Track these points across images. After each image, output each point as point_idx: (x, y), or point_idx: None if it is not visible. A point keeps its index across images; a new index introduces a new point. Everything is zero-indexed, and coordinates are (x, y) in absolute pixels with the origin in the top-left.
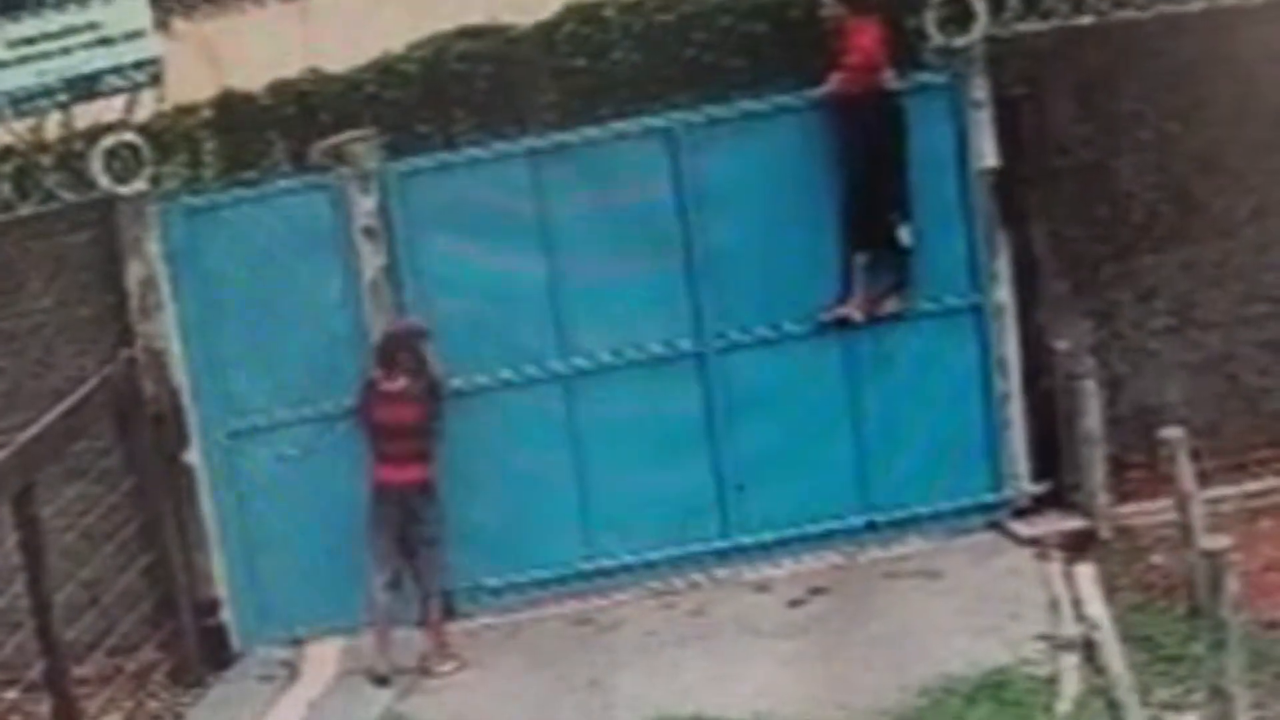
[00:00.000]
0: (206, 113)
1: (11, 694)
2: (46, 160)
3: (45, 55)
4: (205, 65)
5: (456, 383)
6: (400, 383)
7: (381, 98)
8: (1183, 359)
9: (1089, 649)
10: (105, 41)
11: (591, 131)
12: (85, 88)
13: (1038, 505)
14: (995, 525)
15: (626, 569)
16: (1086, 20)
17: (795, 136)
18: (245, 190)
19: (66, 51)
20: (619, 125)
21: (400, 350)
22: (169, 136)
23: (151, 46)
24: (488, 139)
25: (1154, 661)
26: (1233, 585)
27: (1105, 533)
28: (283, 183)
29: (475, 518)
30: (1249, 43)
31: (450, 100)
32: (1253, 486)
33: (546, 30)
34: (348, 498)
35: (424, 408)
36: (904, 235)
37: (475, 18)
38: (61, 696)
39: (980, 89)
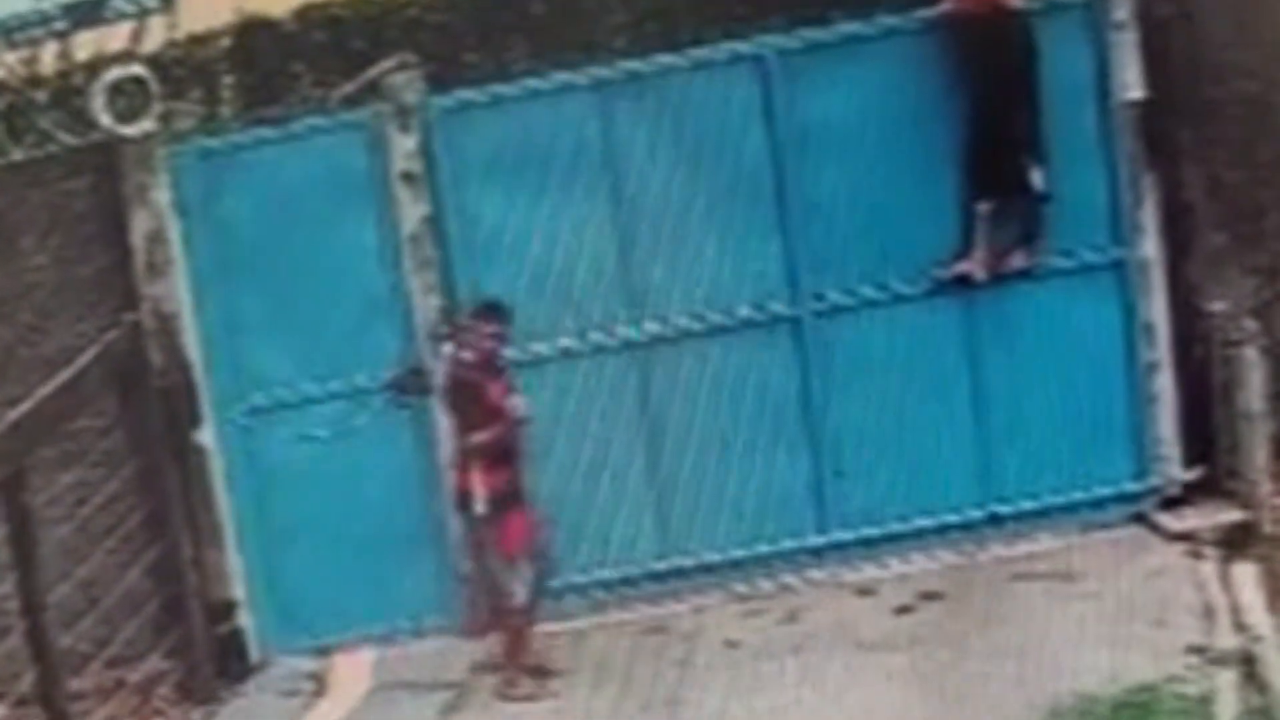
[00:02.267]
0: (224, 42)
1: None
2: (42, 97)
3: None
4: None
5: (511, 352)
6: None
7: (424, 22)
8: None
9: (1249, 663)
10: None
11: (668, 60)
12: (87, 14)
13: (1189, 494)
14: (1140, 518)
15: (707, 569)
16: None
17: (907, 64)
18: (268, 130)
19: None
20: (701, 52)
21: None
22: (181, 70)
23: None
24: (547, 69)
25: None
26: None
27: (1269, 527)
28: (310, 121)
29: None
30: None
31: (503, 25)
32: None
33: None
34: (384, 485)
35: None
36: (1036, 179)
37: None
38: (55, 712)
39: (1123, 8)
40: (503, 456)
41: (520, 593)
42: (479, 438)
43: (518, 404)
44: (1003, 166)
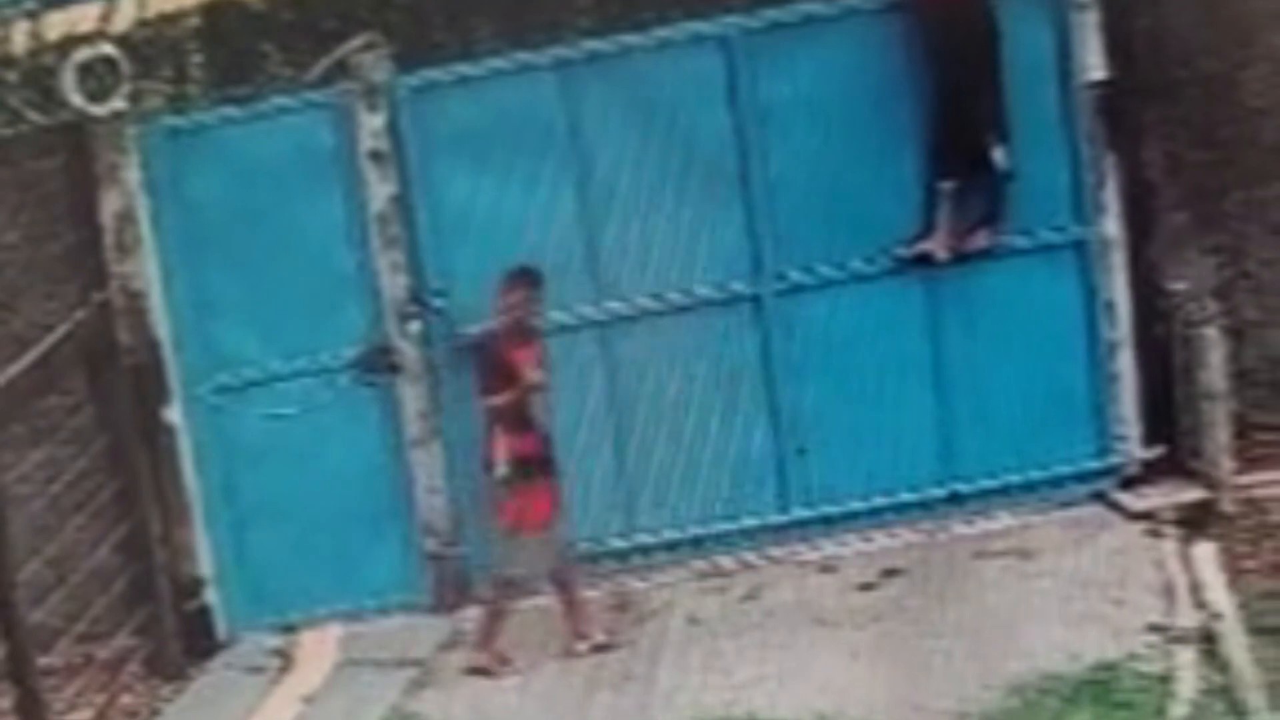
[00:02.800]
0: (193, 21)
1: None
2: (12, 76)
3: None
4: None
5: (476, 330)
6: None
7: (392, 2)
8: None
9: (1209, 642)
10: None
11: (633, 39)
12: None
13: (1150, 473)
14: (1100, 497)
15: (669, 547)
16: None
17: (869, 44)
18: (236, 110)
19: None
20: (665, 31)
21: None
22: (151, 49)
23: None
24: (513, 49)
25: None
26: None
27: (1229, 505)
28: (279, 100)
29: None
30: None
31: (470, 5)
32: None
33: None
34: (351, 463)
35: None
36: (999, 158)
37: None
38: (24, 689)
39: None
40: (522, 423)
41: (515, 567)
42: (495, 401)
43: (532, 371)
44: (966, 146)
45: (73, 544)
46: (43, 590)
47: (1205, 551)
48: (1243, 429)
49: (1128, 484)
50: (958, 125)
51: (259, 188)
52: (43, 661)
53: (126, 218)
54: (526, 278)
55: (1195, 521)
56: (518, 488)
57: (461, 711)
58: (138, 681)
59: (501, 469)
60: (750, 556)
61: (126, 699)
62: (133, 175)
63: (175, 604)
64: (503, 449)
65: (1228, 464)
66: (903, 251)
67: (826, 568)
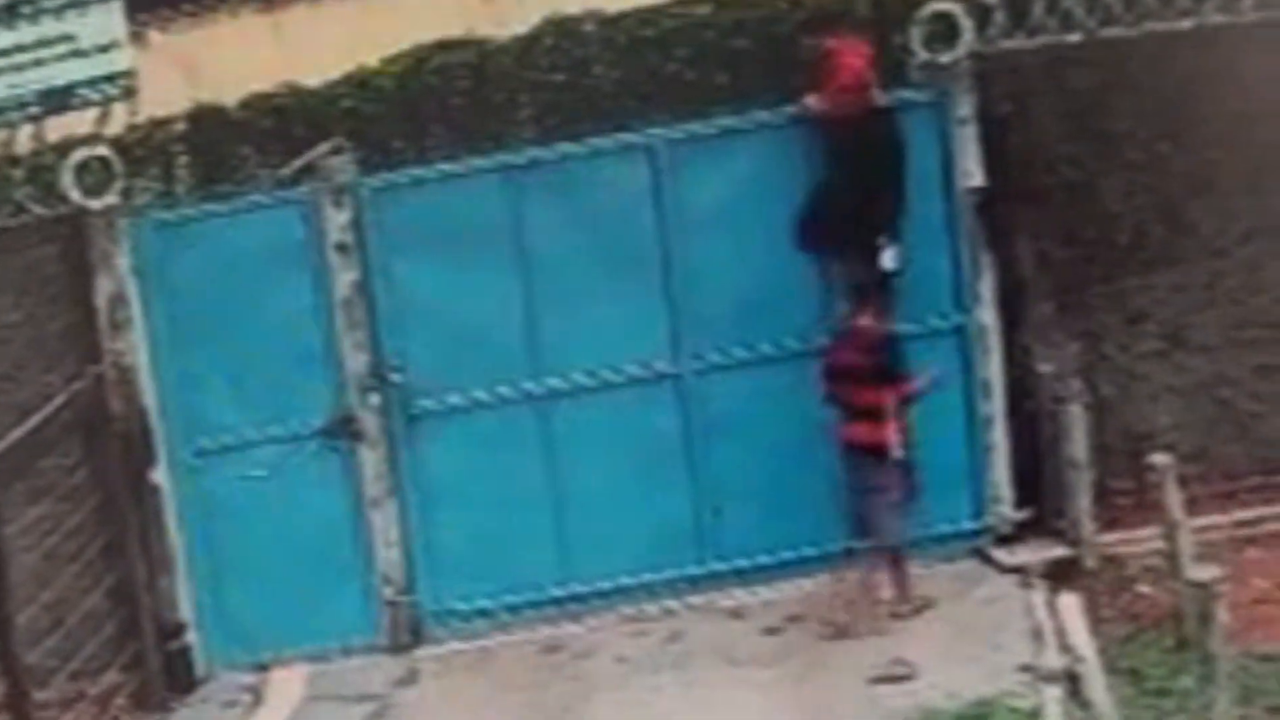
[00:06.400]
0: (180, 126)
1: None
2: (17, 173)
3: (18, 67)
4: (179, 78)
5: (428, 403)
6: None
7: (357, 111)
8: (1171, 383)
9: (1073, 681)
10: (78, 54)
11: (569, 148)
12: (58, 100)
13: (1021, 533)
14: (978, 553)
15: (600, 594)
16: (1075, 38)
17: (778, 154)
18: (217, 205)
19: (39, 63)
20: (598, 141)
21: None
22: (142, 150)
23: (124, 59)
24: (463, 154)
25: (1140, 695)
26: (1222, 616)
27: (1090, 561)
28: (255, 197)
29: (446, 540)
30: (1240, 61)
31: (426, 115)
32: (1243, 515)
33: (525, 44)
34: (316, 519)
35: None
36: (889, 259)
37: (453, 30)
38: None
39: (966, 106)
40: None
41: (896, 536)
42: (895, 394)
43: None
44: (861, 246)
45: (67, 591)
46: (40, 632)
47: (1070, 601)
48: (1102, 494)
49: (1001, 542)
50: (854, 227)
51: (237, 274)
52: (39, 696)
53: (118, 300)
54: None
55: (1061, 575)
56: (901, 471)
57: None
58: (125, 714)
59: (896, 452)
60: (672, 604)
61: None
62: (124, 262)
63: (159, 644)
64: (895, 434)
65: (1089, 525)
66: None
67: (737, 614)
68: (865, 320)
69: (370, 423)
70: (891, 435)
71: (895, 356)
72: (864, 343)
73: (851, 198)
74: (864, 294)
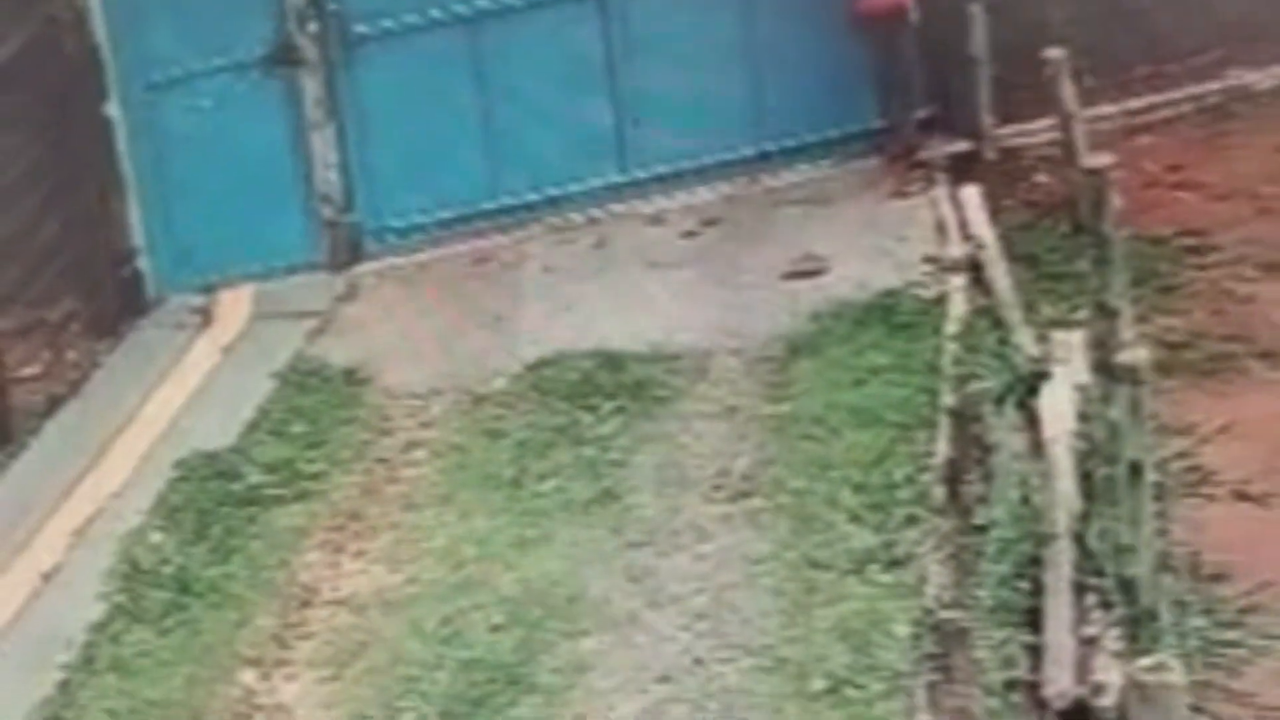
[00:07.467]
0: None
1: None
2: None
3: None
4: None
5: (363, 28)
6: None
7: None
8: None
9: (975, 269)
10: None
11: None
12: None
13: (925, 130)
14: (883, 150)
15: (528, 206)
16: None
17: None
18: None
19: None
20: None
21: None
22: None
23: None
24: None
25: (1039, 279)
26: (1115, 201)
27: (990, 154)
28: None
29: (382, 160)
30: None
31: None
32: (1134, 104)
33: None
34: (259, 145)
35: None
36: None
37: None
38: None
39: None
40: None
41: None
42: None
43: None
44: None
45: (25, 222)
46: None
47: (971, 193)
48: (1001, 89)
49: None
50: None
51: None
52: (0, 324)
53: None
54: None
55: (962, 169)
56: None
57: (354, 351)
58: (80, 339)
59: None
60: (595, 212)
61: (71, 354)
62: None
63: (112, 271)
64: None
65: (988, 119)
66: None
67: (658, 219)
68: None
69: (309, 50)
70: None
71: None
72: None
73: None
74: None
